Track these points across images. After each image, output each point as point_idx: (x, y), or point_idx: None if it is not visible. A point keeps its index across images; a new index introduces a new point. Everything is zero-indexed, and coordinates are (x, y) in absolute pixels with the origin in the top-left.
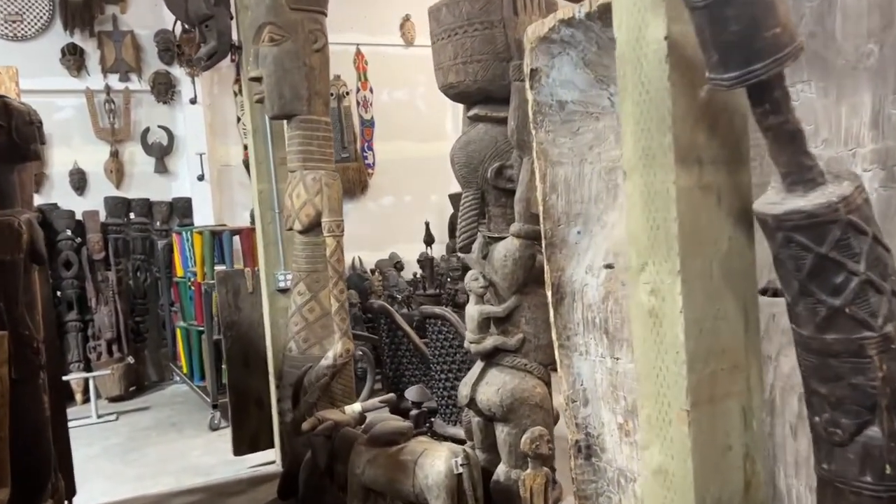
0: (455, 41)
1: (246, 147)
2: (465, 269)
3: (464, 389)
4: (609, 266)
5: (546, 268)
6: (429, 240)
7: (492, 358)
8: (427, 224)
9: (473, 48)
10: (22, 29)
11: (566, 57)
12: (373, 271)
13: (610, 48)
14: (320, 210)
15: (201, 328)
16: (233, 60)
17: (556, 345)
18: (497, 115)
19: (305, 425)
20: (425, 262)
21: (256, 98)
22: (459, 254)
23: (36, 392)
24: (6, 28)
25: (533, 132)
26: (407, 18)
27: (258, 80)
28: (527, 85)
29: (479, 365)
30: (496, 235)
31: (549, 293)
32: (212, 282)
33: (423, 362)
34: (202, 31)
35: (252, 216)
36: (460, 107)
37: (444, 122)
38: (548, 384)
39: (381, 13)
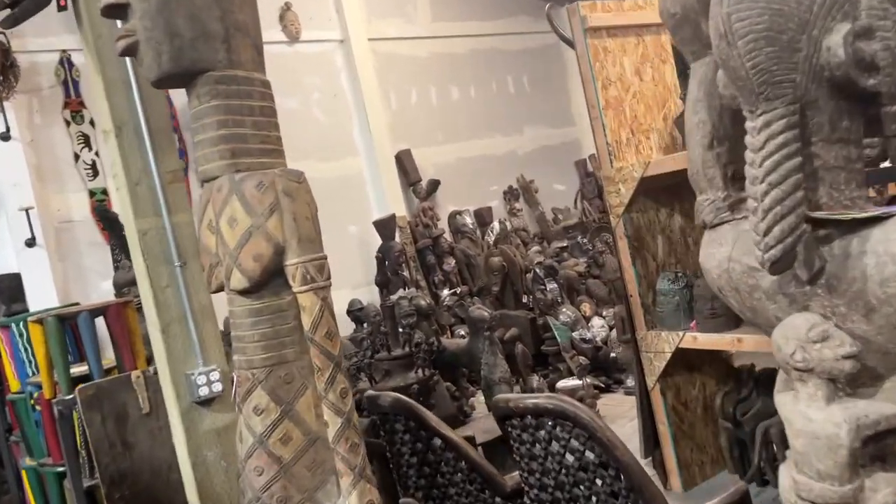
0: None
1: (94, 194)
2: (424, 315)
3: None
4: None
5: None
6: (383, 280)
7: None
8: (380, 259)
9: None
10: None
11: None
12: None
13: None
14: (280, 242)
15: (61, 468)
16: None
17: None
18: None
19: None
20: (373, 312)
21: (121, 46)
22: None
23: None
24: None
25: None
26: (287, 7)
27: (121, 7)
28: None
29: None
30: (852, 216)
31: None
32: (70, 397)
33: None
34: None
35: (117, 285)
36: (369, 116)
37: (350, 133)
38: None
39: None
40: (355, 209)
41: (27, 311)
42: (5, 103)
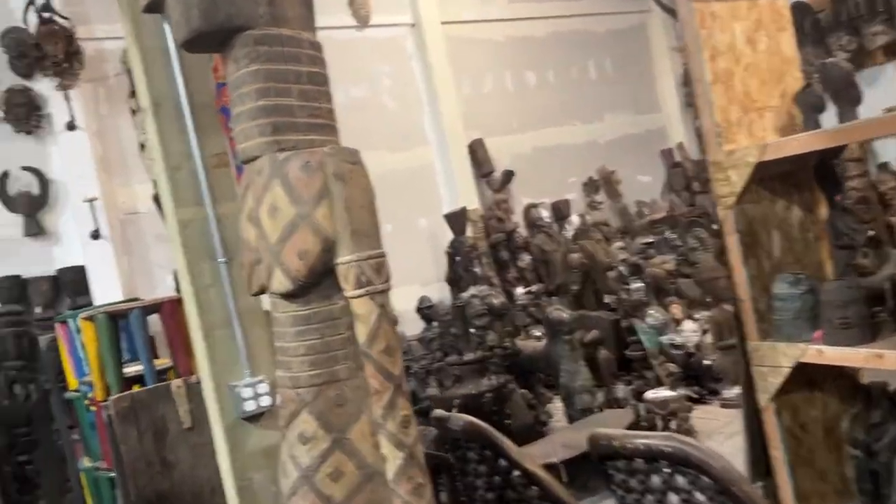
0: None
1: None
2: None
3: None
4: None
5: None
6: (454, 277)
7: None
8: (451, 255)
9: None
10: None
11: None
12: None
13: None
14: (330, 236)
15: (112, 473)
16: None
17: None
18: None
19: None
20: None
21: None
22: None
23: None
24: None
25: None
26: None
27: None
28: None
29: None
30: None
31: None
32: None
33: None
34: None
35: (177, 278)
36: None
37: (420, 122)
38: None
39: None
40: (425, 201)
41: (91, 304)
42: (71, 92)
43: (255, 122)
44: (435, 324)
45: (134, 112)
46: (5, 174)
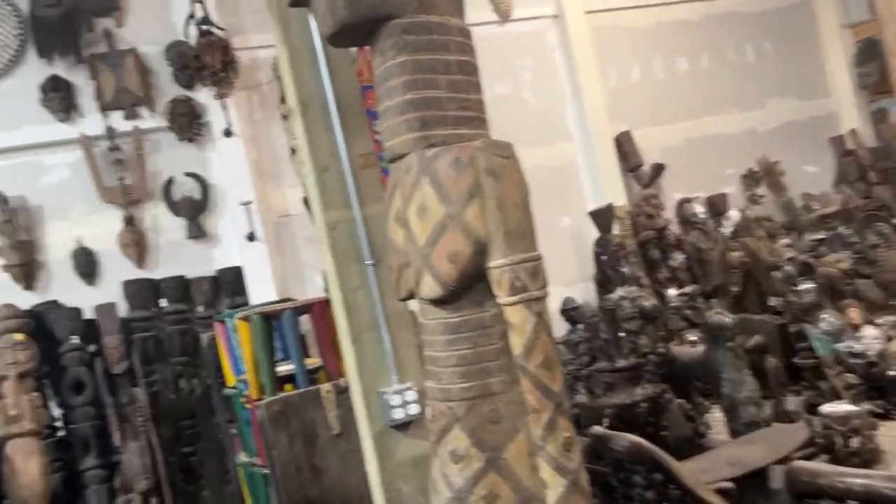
0: None
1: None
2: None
3: None
4: None
5: None
6: (601, 278)
7: None
8: (598, 254)
9: None
10: None
11: None
12: None
13: None
14: (482, 237)
15: (266, 471)
16: None
17: None
18: None
19: None
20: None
21: None
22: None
23: None
24: None
25: None
26: None
27: None
28: None
29: None
30: None
31: None
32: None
33: None
34: None
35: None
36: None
37: (563, 116)
38: None
39: None
40: (568, 199)
41: (247, 304)
42: (227, 100)
43: (402, 117)
44: (580, 326)
45: (285, 117)
46: (170, 180)
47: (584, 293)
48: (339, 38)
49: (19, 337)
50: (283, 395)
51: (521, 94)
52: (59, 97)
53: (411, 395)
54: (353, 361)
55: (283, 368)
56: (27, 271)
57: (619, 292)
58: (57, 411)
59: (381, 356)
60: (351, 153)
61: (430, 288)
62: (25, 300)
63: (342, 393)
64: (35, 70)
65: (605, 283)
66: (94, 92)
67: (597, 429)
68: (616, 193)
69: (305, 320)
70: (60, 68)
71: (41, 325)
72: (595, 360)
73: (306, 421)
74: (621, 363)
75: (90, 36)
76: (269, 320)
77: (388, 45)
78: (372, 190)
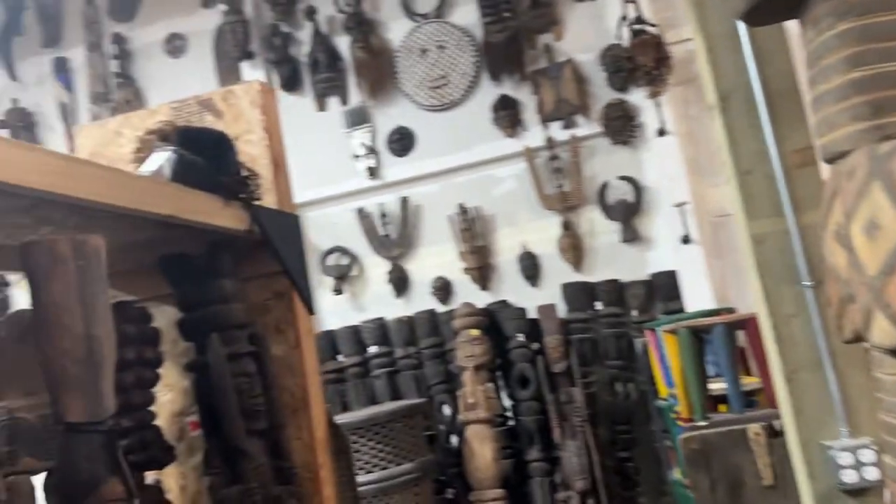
0: None
1: None
2: None
3: None
4: None
5: None
6: None
7: None
8: None
9: None
10: (449, 93)
11: None
12: None
13: None
14: None
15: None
16: None
17: None
18: None
19: None
20: None
21: None
22: None
23: None
24: (433, 97)
25: None
26: None
27: None
28: None
29: None
30: None
31: None
32: (702, 425)
33: None
34: None
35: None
36: None
37: None
38: None
39: None
40: None
41: (682, 310)
42: (661, 98)
43: (843, 103)
44: None
45: None
46: (605, 185)
47: None
48: (755, 14)
49: (475, 332)
50: (701, 431)
51: None
52: (507, 115)
53: (867, 455)
54: (788, 405)
55: (718, 386)
56: (483, 273)
57: None
58: (507, 402)
59: (825, 401)
60: (783, 149)
61: (884, 332)
62: (481, 299)
63: (775, 437)
64: (487, 92)
65: None
66: (535, 106)
67: None
68: None
69: (742, 338)
70: (507, 87)
71: (493, 323)
72: None
73: (730, 465)
74: None
75: (532, 53)
76: (699, 334)
77: (824, 10)
78: (810, 193)
